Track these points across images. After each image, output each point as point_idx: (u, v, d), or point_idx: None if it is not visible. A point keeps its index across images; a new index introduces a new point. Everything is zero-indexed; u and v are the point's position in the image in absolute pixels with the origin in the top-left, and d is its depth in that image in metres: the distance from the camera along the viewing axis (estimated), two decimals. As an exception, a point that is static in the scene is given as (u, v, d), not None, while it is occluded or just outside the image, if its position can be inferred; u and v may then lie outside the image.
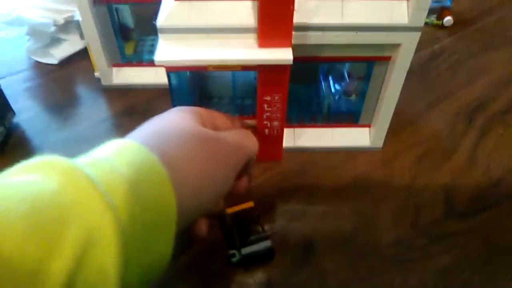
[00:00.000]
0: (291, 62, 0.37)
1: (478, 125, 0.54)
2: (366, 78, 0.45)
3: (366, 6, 0.38)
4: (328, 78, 0.52)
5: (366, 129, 0.50)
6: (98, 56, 0.55)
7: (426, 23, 0.71)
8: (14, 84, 0.60)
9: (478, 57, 0.64)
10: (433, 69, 0.62)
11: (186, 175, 0.27)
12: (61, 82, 0.60)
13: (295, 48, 0.39)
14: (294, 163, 0.48)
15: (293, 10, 0.35)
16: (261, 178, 0.47)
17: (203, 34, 0.38)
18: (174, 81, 0.42)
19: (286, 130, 0.49)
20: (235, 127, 0.38)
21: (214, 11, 0.37)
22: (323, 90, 0.51)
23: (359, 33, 0.38)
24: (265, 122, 0.44)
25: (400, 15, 0.38)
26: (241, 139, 0.34)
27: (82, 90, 0.59)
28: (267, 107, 0.42)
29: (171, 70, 0.40)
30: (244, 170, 0.36)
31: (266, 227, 0.41)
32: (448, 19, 0.68)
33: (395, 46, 0.41)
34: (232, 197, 0.37)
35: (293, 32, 0.38)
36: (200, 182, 0.28)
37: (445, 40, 0.67)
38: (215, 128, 0.35)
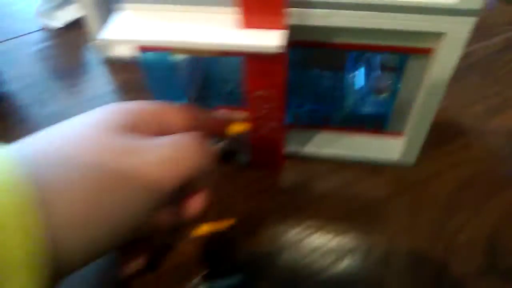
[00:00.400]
0: (281, 50, 0.27)
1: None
2: (398, 72, 0.33)
3: (397, -24, 0.26)
4: (357, 67, 0.41)
5: (396, 139, 0.39)
6: (93, 25, 0.48)
7: (508, 1, 0.56)
8: (16, 47, 0.55)
9: None
10: (506, 62, 0.48)
11: (70, 200, 0.19)
12: (62, 49, 0.54)
13: (293, 29, 0.29)
14: (297, 174, 0.39)
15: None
16: (252, 189, 0.38)
17: (172, 5, 0.29)
18: (153, 66, 0.34)
19: (290, 132, 0.39)
20: (196, 126, 0.29)
21: (188, -25, 0.28)
22: (347, 82, 0.40)
23: (382, 15, 0.27)
24: (259, 122, 0.35)
25: (447, -9, 0.26)
26: (178, 152, 0.24)
27: (81, 61, 0.53)
28: (261, 103, 0.33)
29: (145, 50, 0.31)
30: (197, 185, 0.27)
31: (244, 255, 0.33)
32: (536, -2, 0.52)
33: (437, 35, 0.29)
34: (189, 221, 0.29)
35: (289, 9, 0.28)
36: (90, 212, 0.20)
37: (527, 25, 0.52)
38: (162, 129, 0.26)
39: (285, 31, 0.27)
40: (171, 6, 0.29)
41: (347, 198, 0.37)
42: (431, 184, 0.38)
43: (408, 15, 0.27)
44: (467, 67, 0.47)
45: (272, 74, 0.30)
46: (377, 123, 0.38)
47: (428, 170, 0.39)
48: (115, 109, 0.25)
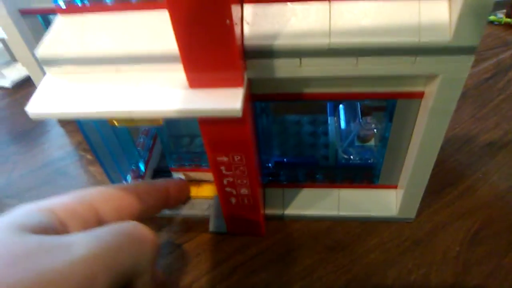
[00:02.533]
0: (239, 114, 0.21)
1: None
2: (387, 119, 0.28)
3: (373, 12, 0.22)
4: (338, 111, 0.36)
5: (390, 192, 0.33)
6: (38, 81, 0.42)
7: (491, 22, 0.53)
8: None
9: None
10: (500, 90, 0.43)
11: None
12: (13, 110, 0.49)
13: (256, 83, 0.24)
14: (282, 239, 0.33)
15: (232, 26, 0.20)
16: (231, 263, 0.32)
17: (108, 66, 0.24)
18: (92, 131, 0.29)
19: (272, 191, 0.34)
20: (143, 204, 0.25)
21: (122, 29, 0.23)
22: (330, 127, 0.35)
23: (362, 60, 0.22)
24: (227, 190, 0.29)
25: (436, 27, 0.21)
26: (107, 244, 0.19)
27: (35, 122, 0.47)
28: (226, 170, 0.28)
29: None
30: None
31: None
32: (522, 16, 0.49)
33: (430, 77, 0.24)
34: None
35: (248, 60, 0.23)
36: None
37: (518, 46, 0.48)
38: (100, 219, 0.22)
39: (243, 89, 0.22)
40: (105, 67, 0.24)
41: (343, 266, 0.31)
42: (437, 240, 0.32)
43: (391, 57, 0.22)
44: (459, 97, 0.43)
45: (234, 139, 0.25)
46: (366, 176, 0.33)
47: (431, 224, 0.33)
48: (28, 210, 0.20)
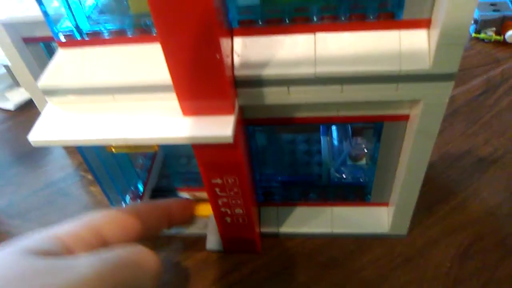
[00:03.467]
0: (230, 140, 0.23)
1: (558, 195, 0.36)
2: (375, 139, 0.29)
3: (356, 42, 0.23)
4: (330, 131, 0.37)
5: (382, 209, 0.34)
6: (42, 106, 0.44)
7: (481, 39, 0.54)
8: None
9: (556, 87, 0.46)
10: (490, 106, 0.44)
11: None
12: (17, 132, 0.50)
13: (248, 109, 0.25)
14: (278, 256, 0.34)
15: (221, 59, 0.21)
16: (226, 281, 0.33)
17: (105, 96, 0.25)
18: (91, 154, 0.30)
19: (266, 210, 0.35)
20: (144, 224, 0.26)
21: (119, 61, 0.25)
22: (323, 149, 0.36)
23: (347, 87, 0.24)
24: (222, 210, 0.30)
25: (416, 56, 0.22)
26: (106, 269, 0.20)
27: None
28: (220, 191, 0.29)
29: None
30: None
31: None
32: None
33: (413, 102, 0.25)
34: None
35: (239, 89, 0.24)
36: None
37: (508, 63, 0.49)
38: (104, 242, 0.23)
39: (234, 116, 0.23)
40: (103, 97, 0.25)
41: (336, 283, 0.32)
42: (429, 256, 0.33)
43: (375, 85, 0.23)
44: (449, 115, 0.44)
45: (227, 162, 0.26)
46: (358, 194, 0.34)
47: (422, 240, 0.34)
48: (37, 236, 0.21)
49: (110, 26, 0.25)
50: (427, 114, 0.25)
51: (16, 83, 0.52)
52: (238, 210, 0.30)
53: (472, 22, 0.52)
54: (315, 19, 0.23)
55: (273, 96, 0.24)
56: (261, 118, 0.28)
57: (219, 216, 0.31)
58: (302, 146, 0.38)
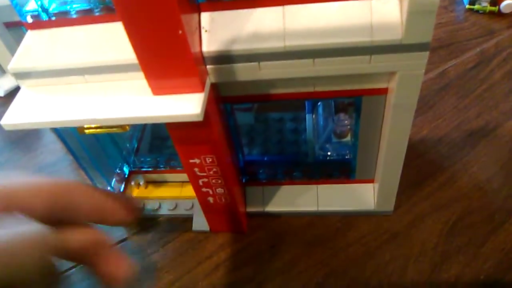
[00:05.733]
0: (199, 118, 0.22)
1: (550, 167, 0.35)
2: (356, 115, 0.29)
3: (326, 14, 0.22)
4: (317, 108, 0.36)
5: (367, 186, 0.34)
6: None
7: (476, 11, 0.52)
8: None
9: (552, 57, 0.45)
10: (483, 79, 0.43)
11: None
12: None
13: (223, 86, 0.25)
14: (263, 235, 0.34)
15: (184, 36, 0.20)
16: (213, 261, 0.33)
17: (77, 77, 0.25)
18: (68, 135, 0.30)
19: (252, 189, 0.35)
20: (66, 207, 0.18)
21: (88, 41, 0.24)
22: (307, 127, 0.36)
23: (319, 61, 0.23)
24: (204, 190, 0.30)
25: (388, 26, 0.22)
26: None
27: (23, 131, 0.49)
28: (199, 171, 0.29)
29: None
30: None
31: None
32: (508, 4, 0.48)
33: (389, 74, 0.25)
34: None
35: (209, 66, 0.23)
36: None
37: (503, 34, 0.48)
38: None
39: (203, 94, 0.23)
40: (73, 78, 0.25)
41: (322, 260, 0.32)
42: (416, 232, 0.33)
43: (347, 57, 0.23)
44: (441, 88, 0.43)
45: (202, 141, 0.26)
46: (344, 171, 0.34)
47: (409, 216, 0.34)
48: None
49: (76, 6, 0.24)
50: (404, 86, 0.24)
51: (4, 70, 0.52)
52: (220, 190, 0.30)
53: (467, -7, 0.51)
54: (283, -10, 0.22)
55: (244, 72, 0.24)
56: (238, 95, 0.27)
57: (202, 196, 0.31)
58: (287, 124, 0.38)
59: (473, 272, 0.30)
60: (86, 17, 0.24)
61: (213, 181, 0.29)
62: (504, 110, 0.40)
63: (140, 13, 0.20)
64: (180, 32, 0.20)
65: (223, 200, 0.31)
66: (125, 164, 0.36)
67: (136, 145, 0.37)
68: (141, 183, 0.37)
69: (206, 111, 0.23)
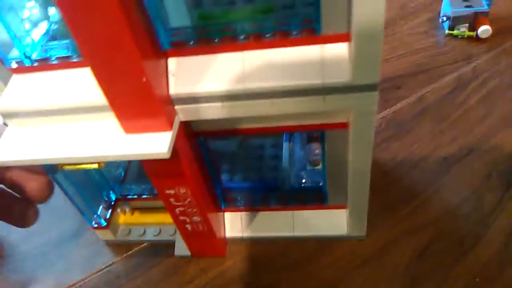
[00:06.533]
0: (167, 156, 0.24)
1: (520, 193, 0.36)
2: (322, 146, 0.31)
3: (282, 58, 0.24)
4: (293, 136, 0.38)
5: (340, 212, 0.35)
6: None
7: (455, 36, 0.54)
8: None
9: (527, 81, 0.46)
10: (459, 104, 0.45)
11: None
12: None
13: (195, 122, 0.27)
14: (242, 260, 0.36)
15: (148, 82, 0.22)
16: (193, 284, 0.35)
17: (57, 117, 0.27)
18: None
19: (230, 215, 0.36)
20: None
21: (67, 84, 0.26)
22: (284, 154, 0.38)
23: (277, 100, 0.25)
24: (181, 218, 0.32)
25: (337, 69, 0.23)
26: None
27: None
28: (175, 201, 0.30)
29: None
30: None
31: None
32: (484, 29, 0.50)
33: (346, 111, 0.26)
34: None
35: (177, 106, 0.25)
36: None
37: (480, 59, 0.49)
38: None
39: (171, 133, 0.25)
40: (53, 118, 0.27)
41: (298, 285, 0.33)
42: (387, 256, 0.34)
43: (303, 97, 0.24)
44: (419, 113, 0.44)
45: (174, 175, 0.28)
46: (317, 197, 0.35)
47: (382, 241, 0.35)
48: None
49: (56, 53, 0.26)
50: (359, 122, 0.26)
51: None
52: (196, 218, 0.32)
53: (445, 18, 0.52)
54: (242, 37, 0.24)
55: (208, 111, 0.26)
56: (209, 130, 0.29)
57: (180, 224, 0.33)
58: (266, 151, 0.39)
59: (442, 294, 0.31)
60: (65, 63, 0.26)
61: (189, 210, 0.31)
62: (478, 135, 0.41)
63: (105, 61, 0.22)
64: (144, 79, 0.22)
65: (201, 227, 0.33)
66: (111, 191, 0.38)
67: (122, 174, 0.39)
68: (127, 210, 0.39)
69: (176, 147, 0.25)
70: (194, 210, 0.31)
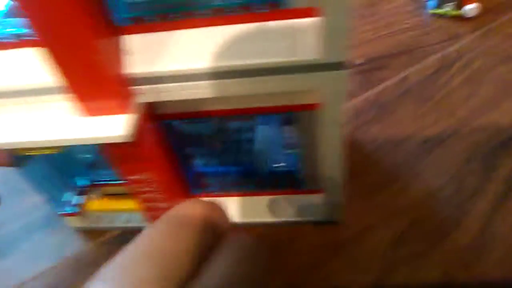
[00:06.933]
0: (129, 139, 0.23)
1: (501, 176, 0.36)
2: (295, 128, 0.29)
3: (248, 35, 0.23)
4: (269, 119, 0.37)
5: (317, 196, 0.34)
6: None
7: (440, 15, 0.52)
8: None
9: (512, 62, 0.45)
10: (442, 85, 0.44)
11: None
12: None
13: (157, 104, 0.26)
14: (216, 247, 0.34)
15: (102, 60, 0.21)
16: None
17: (13, 99, 0.25)
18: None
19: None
20: None
21: (23, 65, 0.25)
22: (260, 138, 0.36)
23: (242, 81, 0.23)
24: (148, 205, 0.31)
25: (304, 46, 0.22)
26: None
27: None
28: (140, 187, 0.29)
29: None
30: None
31: None
32: (471, 8, 0.48)
33: (315, 91, 0.25)
34: None
35: (136, 87, 0.24)
36: None
37: (465, 39, 0.48)
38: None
39: (131, 115, 0.23)
40: (13, 100, 0.25)
41: (273, 271, 0.32)
42: (364, 242, 0.33)
43: (270, 76, 0.23)
44: (401, 95, 0.43)
45: (136, 159, 0.26)
46: (293, 182, 0.34)
47: (360, 226, 0.34)
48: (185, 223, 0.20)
49: (12, 31, 0.25)
50: (328, 103, 0.24)
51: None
52: (163, 205, 0.31)
53: (432, -3, 0.51)
54: (203, 13, 0.23)
55: (169, 92, 0.24)
56: (174, 113, 0.28)
57: (147, 210, 0.31)
58: (242, 135, 0.38)
59: (419, 280, 0.31)
60: (24, 41, 0.25)
61: (155, 196, 0.30)
62: (461, 117, 0.40)
63: (55, 39, 0.20)
64: (97, 58, 0.21)
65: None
66: (81, 177, 0.37)
67: (92, 159, 0.38)
68: (98, 196, 0.37)
69: (138, 131, 0.24)
70: (161, 196, 0.30)
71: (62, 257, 0.36)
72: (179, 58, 0.23)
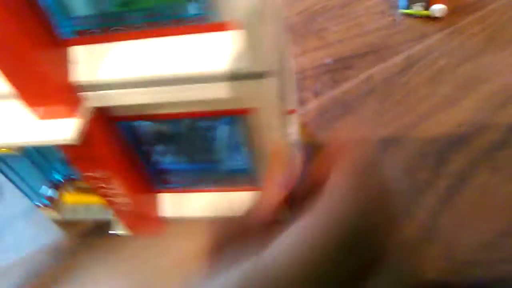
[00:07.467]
0: (75, 142, 0.25)
1: (453, 170, 0.37)
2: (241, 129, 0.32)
3: (179, 46, 0.25)
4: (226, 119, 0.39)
5: (270, 192, 0.36)
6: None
7: (410, 15, 0.53)
8: None
9: (475, 60, 0.46)
10: (404, 84, 0.45)
11: None
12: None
13: (113, 108, 0.28)
14: (181, 239, 0.37)
15: (44, 72, 0.23)
16: (132, 262, 0.36)
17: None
18: None
19: (167, 196, 0.38)
20: None
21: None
22: (219, 136, 0.39)
23: (170, 89, 0.26)
24: (110, 199, 0.33)
25: (224, 57, 0.24)
26: None
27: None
28: (98, 183, 0.32)
29: None
30: None
31: None
32: (439, 8, 0.50)
33: (248, 98, 0.27)
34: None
35: (84, 93, 0.26)
36: None
37: (432, 38, 0.49)
38: None
39: (77, 119, 0.26)
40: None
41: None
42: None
43: (198, 85, 0.25)
44: (365, 94, 0.45)
45: (91, 158, 0.29)
46: (248, 179, 0.36)
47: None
48: None
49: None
50: (259, 108, 0.27)
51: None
52: (124, 199, 0.33)
53: (402, -4, 0.52)
54: (139, 27, 0.25)
55: (113, 98, 0.27)
56: (127, 115, 0.30)
57: (109, 204, 0.34)
58: (200, 134, 0.40)
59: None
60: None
61: (113, 191, 0.32)
62: (420, 114, 0.42)
63: (0, 52, 0.23)
64: (39, 69, 0.23)
65: (130, 208, 0.34)
66: (55, 172, 0.40)
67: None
68: (72, 190, 0.40)
69: (88, 132, 0.26)
70: (119, 191, 0.32)
71: (40, 246, 0.39)
72: (117, 67, 0.26)
